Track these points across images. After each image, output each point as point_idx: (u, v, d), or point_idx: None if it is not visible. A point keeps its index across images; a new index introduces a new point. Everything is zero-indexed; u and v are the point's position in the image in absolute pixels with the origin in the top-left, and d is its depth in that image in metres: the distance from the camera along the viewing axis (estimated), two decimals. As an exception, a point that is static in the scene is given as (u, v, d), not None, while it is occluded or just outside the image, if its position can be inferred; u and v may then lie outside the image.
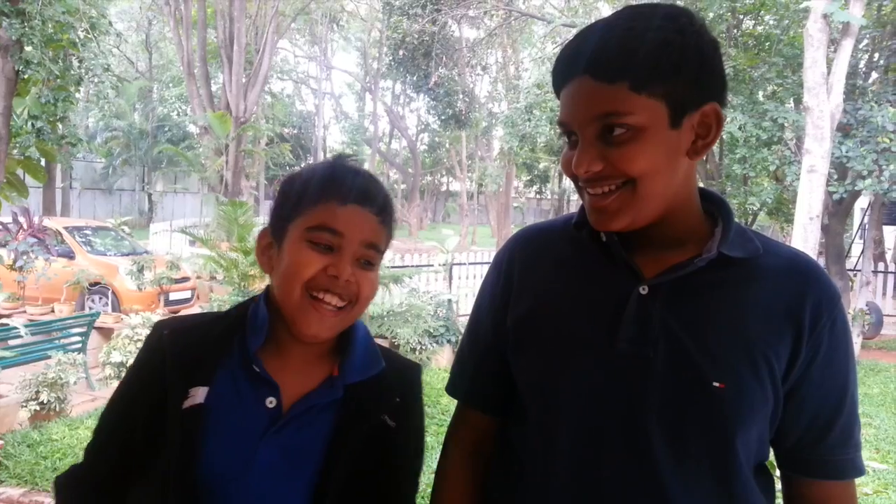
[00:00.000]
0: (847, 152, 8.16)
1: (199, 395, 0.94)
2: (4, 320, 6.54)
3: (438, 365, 6.98)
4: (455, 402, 1.22)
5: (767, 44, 10.65)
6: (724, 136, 9.51)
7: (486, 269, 1.18)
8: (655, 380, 0.93)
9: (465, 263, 10.36)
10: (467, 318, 1.19)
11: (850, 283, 10.57)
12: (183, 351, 0.98)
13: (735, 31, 11.31)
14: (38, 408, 4.82)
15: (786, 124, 8.99)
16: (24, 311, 8.18)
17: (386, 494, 1.02)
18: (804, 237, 6.50)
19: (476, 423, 1.16)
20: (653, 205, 0.93)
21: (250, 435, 0.94)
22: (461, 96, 21.22)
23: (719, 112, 0.92)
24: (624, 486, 0.95)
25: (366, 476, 0.98)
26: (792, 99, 10.30)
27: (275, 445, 0.94)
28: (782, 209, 11.37)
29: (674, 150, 0.91)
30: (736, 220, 1.01)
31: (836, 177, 8.69)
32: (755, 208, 10.74)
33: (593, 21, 0.95)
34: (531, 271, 1.08)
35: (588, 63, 0.90)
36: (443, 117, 21.76)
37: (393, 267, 8.51)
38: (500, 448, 1.12)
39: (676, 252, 0.97)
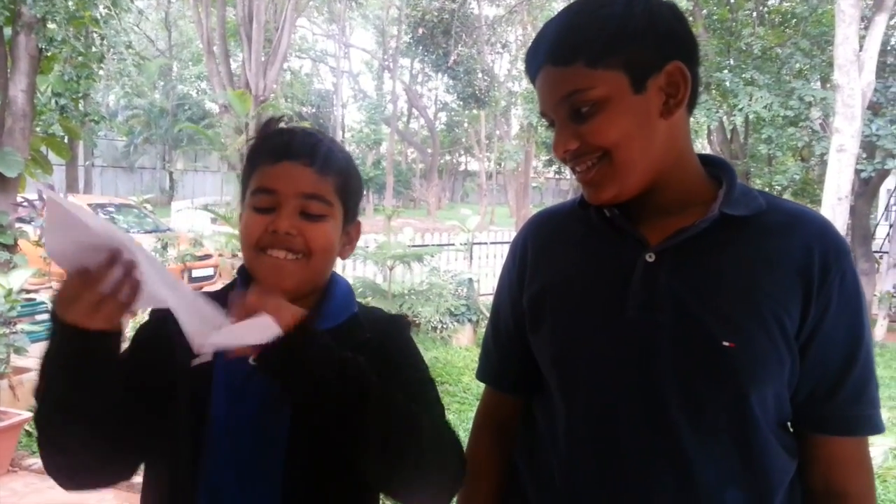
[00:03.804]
0: (877, 131, 8.02)
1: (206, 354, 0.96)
2: (32, 295, 6.63)
3: (459, 344, 6.99)
4: (479, 385, 1.25)
5: (794, 21, 10.44)
6: (751, 116, 9.37)
7: (506, 248, 1.20)
8: (666, 344, 0.95)
9: (485, 243, 10.33)
10: (487, 297, 1.19)
11: (877, 265, 10.41)
12: None
13: (762, 7, 11.09)
14: (65, 382, 4.90)
15: (813, 102, 8.83)
16: (50, 287, 8.28)
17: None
18: (832, 218, 6.40)
19: (504, 405, 1.20)
20: (635, 172, 0.96)
21: (244, 376, 0.97)
22: (481, 75, 21.09)
23: (684, 69, 0.94)
24: (643, 450, 0.96)
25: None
26: (818, 77, 10.11)
27: (264, 383, 0.95)
28: (808, 189, 11.22)
29: (643, 115, 0.94)
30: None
31: (864, 156, 8.54)
32: (780, 188, 10.61)
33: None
34: (544, 252, 1.11)
35: (546, 52, 0.96)
36: (462, 96, 21.67)
37: (414, 246, 8.50)
38: (525, 425, 1.15)
39: (681, 217, 0.98)
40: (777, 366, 0.93)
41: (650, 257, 0.98)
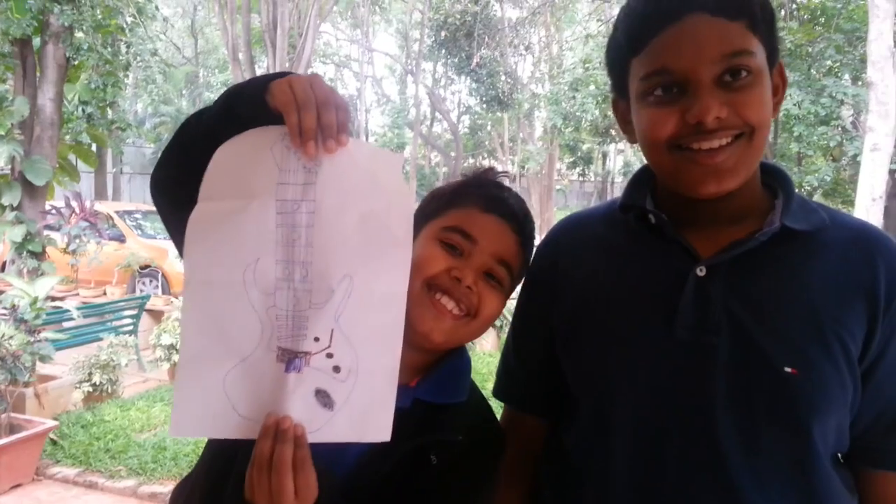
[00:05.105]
0: (912, 129, 7.77)
1: None
2: (58, 303, 6.70)
3: (483, 349, 6.93)
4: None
5: (823, 18, 10.24)
6: (781, 114, 9.19)
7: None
8: (720, 368, 0.86)
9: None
10: (510, 302, 1.10)
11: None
12: None
13: (791, 4, 10.90)
14: (91, 389, 4.92)
15: (845, 100, 8.64)
16: (77, 294, 8.38)
17: None
18: (865, 219, 6.23)
19: (525, 426, 1.11)
20: (757, 162, 0.87)
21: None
22: (504, 77, 20.98)
23: (784, 74, 0.88)
24: (690, 485, 0.87)
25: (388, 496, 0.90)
26: (848, 75, 9.91)
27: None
28: (839, 190, 10.98)
29: (770, 101, 0.86)
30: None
31: (898, 155, 8.32)
32: (811, 189, 10.40)
33: None
34: (576, 261, 1.02)
35: None
36: (485, 99, 21.57)
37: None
38: (551, 454, 1.06)
39: (734, 228, 0.89)
40: (841, 395, 0.85)
41: (701, 271, 0.88)
